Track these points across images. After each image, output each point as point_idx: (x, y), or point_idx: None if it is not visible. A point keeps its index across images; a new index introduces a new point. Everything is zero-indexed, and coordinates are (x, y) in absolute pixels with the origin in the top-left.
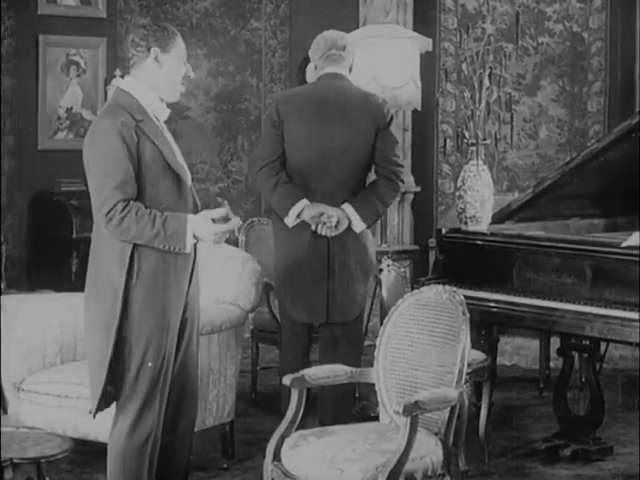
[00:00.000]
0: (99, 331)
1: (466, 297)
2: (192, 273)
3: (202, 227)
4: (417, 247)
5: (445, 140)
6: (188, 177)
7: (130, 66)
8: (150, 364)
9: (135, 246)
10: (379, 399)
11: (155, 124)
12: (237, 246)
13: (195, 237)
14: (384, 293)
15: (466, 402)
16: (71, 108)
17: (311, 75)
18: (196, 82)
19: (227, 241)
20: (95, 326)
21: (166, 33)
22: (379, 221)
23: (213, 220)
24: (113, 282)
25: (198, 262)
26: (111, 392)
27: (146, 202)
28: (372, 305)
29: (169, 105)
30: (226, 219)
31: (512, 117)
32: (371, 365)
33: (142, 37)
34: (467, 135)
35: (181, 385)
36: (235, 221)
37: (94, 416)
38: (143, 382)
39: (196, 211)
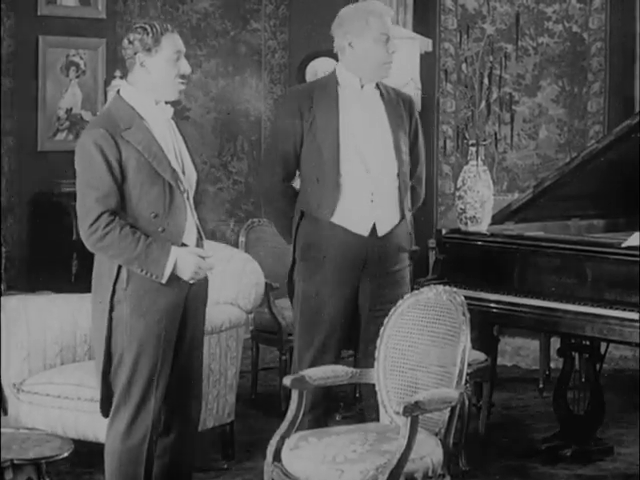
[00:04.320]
0: (97, 337)
1: (466, 298)
2: None
3: (185, 260)
4: (417, 248)
5: (445, 140)
6: (187, 181)
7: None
8: (142, 372)
9: None
10: (379, 400)
11: (146, 130)
12: (237, 247)
13: (175, 268)
14: None
15: (466, 402)
16: (71, 109)
17: (311, 76)
18: (196, 83)
19: (227, 241)
20: (95, 332)
21: (152, 34)
22: None
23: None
24: (104, 291)
25: None
26: (111, 395)
27: (135, 211)
28: None
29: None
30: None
31: (512, 117)
32: (371, 366)
33: (129, 42)
34: (467, 135)
35: (186, 387)
36: (211, 262)
37: (105, 416)
38: (136, 389)
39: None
